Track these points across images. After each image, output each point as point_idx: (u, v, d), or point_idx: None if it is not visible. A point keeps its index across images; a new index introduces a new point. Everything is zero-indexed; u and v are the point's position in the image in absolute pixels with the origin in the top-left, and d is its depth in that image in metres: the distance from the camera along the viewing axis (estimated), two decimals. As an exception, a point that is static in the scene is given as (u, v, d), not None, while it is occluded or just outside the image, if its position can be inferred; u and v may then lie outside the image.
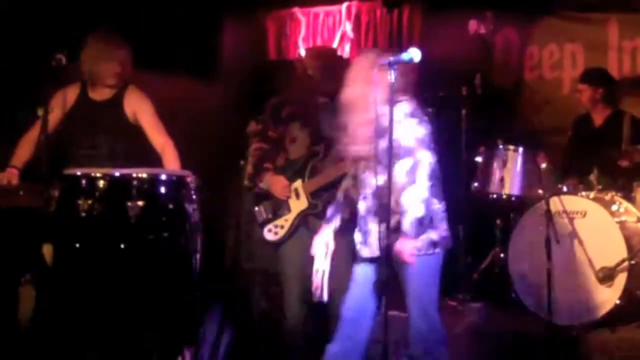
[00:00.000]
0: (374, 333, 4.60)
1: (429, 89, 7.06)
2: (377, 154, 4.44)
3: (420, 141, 4.43)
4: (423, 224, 4.42)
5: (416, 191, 4.37)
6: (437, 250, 4.53)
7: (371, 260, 4.58)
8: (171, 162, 5.27)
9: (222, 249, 6.65)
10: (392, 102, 4.28)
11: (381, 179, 4.43)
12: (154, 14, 7.18)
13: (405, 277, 4.53)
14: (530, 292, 5.90)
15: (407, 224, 4.37)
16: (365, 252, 4.62)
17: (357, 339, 4.58)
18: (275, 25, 8.01)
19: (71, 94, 5.37)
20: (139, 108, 5.36)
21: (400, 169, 4.41)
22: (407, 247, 4.37)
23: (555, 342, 5.50)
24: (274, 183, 5.36)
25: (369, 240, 4.59)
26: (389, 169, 4.26)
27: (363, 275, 4.62)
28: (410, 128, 4.44)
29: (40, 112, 4.96)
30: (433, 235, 4.50)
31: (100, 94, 5.38)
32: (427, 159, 4.42)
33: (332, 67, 5.33)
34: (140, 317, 4.56)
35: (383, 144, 4.37)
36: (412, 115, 4.47)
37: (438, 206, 4.54)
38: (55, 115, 5.19)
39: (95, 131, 5.30)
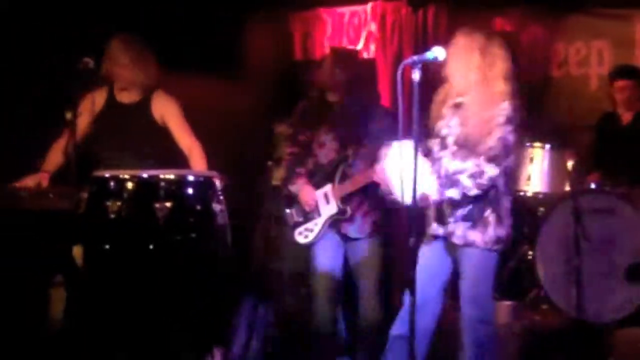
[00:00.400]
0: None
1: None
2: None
3: (508, 148, 4.44)
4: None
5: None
6: (499, 247, 4.53)
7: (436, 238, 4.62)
8: (198, 163, 5.29)
9: (250, 249, 6.67)
10: (419, 102, 4.29)
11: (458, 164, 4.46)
12: (181, 16, 7.21)
13: (464, 266, 4.55)
14: (559, 290, 5.89)
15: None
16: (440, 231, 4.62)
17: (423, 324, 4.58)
18: (301, 26, 8.02)
19: (99, 97, 5.40)
20: (166, 111, 5.38)
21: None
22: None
23: (584, 339, 5.49)
24: (303, 193, 5.41)
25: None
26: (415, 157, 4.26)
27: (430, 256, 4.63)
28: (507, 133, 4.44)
29: (69, 116, 5.00)
30: (500, 231, 4.51)
31: (128, 97, 5.41)
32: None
33: (352, 69, 5.35)
34: (169, 317, 4.59)
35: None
36: (511, 120, 4.46)
37: (508, 205, 4.56)
38: (83, 119, 5.21)
39: (123, 134, 5.33)
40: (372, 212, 5.38)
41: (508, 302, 6.17)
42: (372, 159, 5.30)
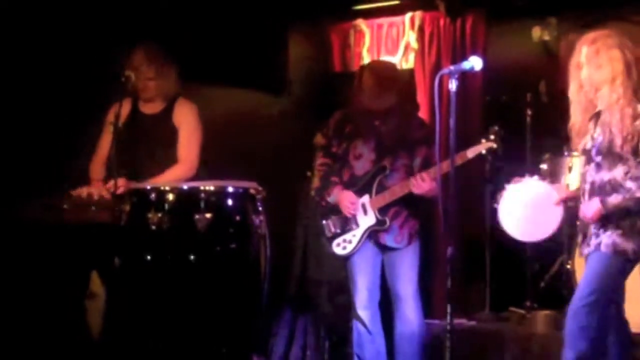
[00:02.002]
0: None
1: (492, 96, 7.11)
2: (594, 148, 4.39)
3: None
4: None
5: None
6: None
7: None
8: (170, 175, 5.26)
9: (290, 259, 6.71)
10: (453, 109, 4.31)
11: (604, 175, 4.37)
12: (220, 29, 7.27)
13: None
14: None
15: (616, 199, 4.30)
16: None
17: None
18: (339, 37, 8.05)
19: (125, 108, 5.38)
20: (183, 118, 5.40)
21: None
22: (590, 208, 4.32)
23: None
24: (343, 198, 5.42)
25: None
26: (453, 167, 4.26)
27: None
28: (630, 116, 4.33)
29: (110, 128, 5.09)
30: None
31: (151, 108, 5.45)
32: None
33: (389, 82, 5.37)
34: (209, 327, 4.63)
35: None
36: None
37: None
38: (108, 130, 5.26)
39: (146, 144, 5.35)
40: (410, 222, 5.41)
41: (547, 312, 6.16)
42: (409, 170, 5.34)
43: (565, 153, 6.29)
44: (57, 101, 6.20)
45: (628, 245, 4.36)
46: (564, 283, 6.35)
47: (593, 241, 4.45)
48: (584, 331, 4.40)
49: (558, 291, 6.37)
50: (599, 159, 4.43)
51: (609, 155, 4.37)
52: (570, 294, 6.13)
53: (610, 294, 4.47)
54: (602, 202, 4.33)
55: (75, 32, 6.22)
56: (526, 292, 6.47)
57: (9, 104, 5.99)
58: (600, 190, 4.38)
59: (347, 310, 5.72)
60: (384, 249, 5.43)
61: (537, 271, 6.52)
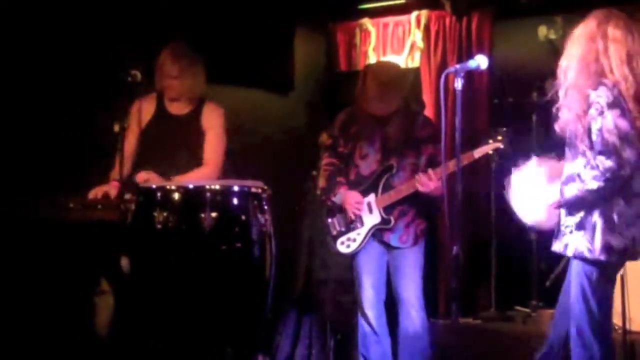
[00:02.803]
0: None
1: (499, 96, 7.11)
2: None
3: (624, 136, 4.02)
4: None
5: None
6: (611, 259, 4.16)
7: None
8: (195, 175, 5.26)
9: (296, 258, 6.71)
10: (459, 108, 4.31)
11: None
12: (228, 29, 7.28)
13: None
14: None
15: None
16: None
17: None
18: (345, 36, 8.06)
19: (148, 107, 5.41)
20: (211, 121, 5.40)
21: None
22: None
23: (630, 348, 5.46)
24: (348, 198, 5.42)
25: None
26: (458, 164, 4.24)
27: None
28: (612, 121, 4.04)
29: (116, 129, 5.07)
30: (610, 240, 4.13)
31: (177, 108, 5.43)
32: (633, 158, 4.03)
33: (389, 88, 5.36)
34: (214, 327, 4.64)
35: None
36: (614, 105, 4.06)
37: (622, 209, 4.14)
38: (133, 130, 5.27)
39: (173, 145, 5.35)
40: (416, 221, 5.41)
41: (552, 311, 6.14)
42: (416, 169, 5.34)
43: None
44: (74, 99, 6.23)
45: (596, 245, 4.16)
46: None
47: (562, 239, 4.30)
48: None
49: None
50: (566, 151, 4.28)
51: (573, 147, 4.22)
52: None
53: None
54: (560, 191, 4.22)
55: (92, 31, 6.25)
56: (532, 291, 6.46)
57: (25, 102, 6.02)
58: (567, 181, 4.21)
59: (352, 309, 5.73)
60: (389, 248, 5.43)
61: (542, 270, 6.50)
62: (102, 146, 5.52)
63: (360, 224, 5.41)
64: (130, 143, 5.27)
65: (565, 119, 4.19)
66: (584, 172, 4.09)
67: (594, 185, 4.05)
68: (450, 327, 6.20)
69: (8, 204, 5.60)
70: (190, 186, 4.77)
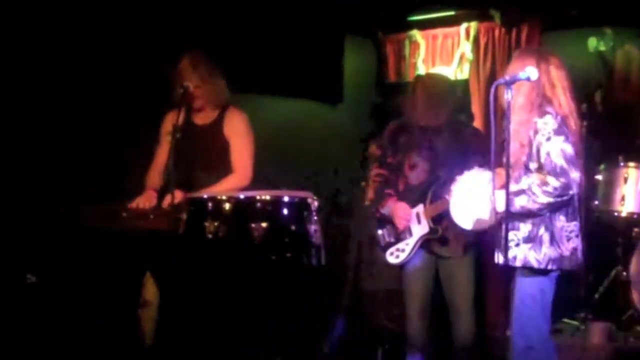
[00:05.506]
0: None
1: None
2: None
3: (570, 160, 4.45)
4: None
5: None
6: (554, 267, 4.52)
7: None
8: (227, 183, 5.26)
9: (344, 268, 6.75)
10: (508, 119, 4.35)
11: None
12: (277, 40, 7.34)
13: (514, 289, 4.57)
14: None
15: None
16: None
17: None
18: (394, 48, 8.09)
19: (176, 119, 5.23)
20: (234, 127, 5.37)
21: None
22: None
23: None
24: (397, 210, 5.46)
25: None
26: (507, 185, 4.32)
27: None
28: (559, 146, 4.45)
29: (168, 138, 5.14)
30: (553, 251, 4.50)
31: (202, 118, 5.42)
32: (578, 179, 4.47)
33: (438, 100, 5.39)
34: (264, 335, 4.70)
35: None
36: (559, 131, 4.48)
37: (563, 224, 4.54)
38: (166, 140, 5.27)
39: (199, 155, 5.34)
40: (464, 232, 5.42)
41: (602, 324, 6.13)
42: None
43: (622, 164, 6.27)
44: (115, 111, 6.31)
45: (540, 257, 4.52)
46: (619, 294, 6.33)
47: (508, 252, 4.50)
48: None
49: (613, 302, 6.34)
50: (512, 172, 4.53)
51: (519, 168, 4.54)
52: (625, 305, 6.15)
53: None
54: (509, 201, 4.40)
55: (132, 42, 6.33)
56: (581, 304, 6.44)
57: (69, 116, 6.12)
58: (517, 194, 4.50)
59: (400, 320, 5.75)
60: (439, 258, 5.46)
61: (591, 282, 6.48)
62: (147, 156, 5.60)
63: (409, 235, 5.43)
64: (161, 154, 5.31)
65: (515, 148, 4.48)
66: (535, 188, 4.44)
67: (544, 200, 4.42)
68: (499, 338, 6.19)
69: (57, 212, 5.73)
70: (241, 196, 4.80)
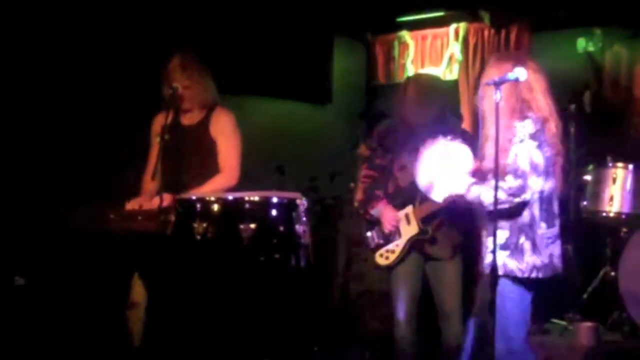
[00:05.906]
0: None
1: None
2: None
3: (534, 166, 4.48)
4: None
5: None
6: (539, 275, 4.55)
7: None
8: (214, 183, 5.24)
9: (333, 270, 6.75)
10: (497, 121, 4.35)
11: None
12: (265, 41, 7.34)
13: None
14: (642, 311, 5.83)
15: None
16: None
17: None
18: (383, 49, 8.11)
19: (164, 120, 5.24)
20: (220, 127, 5.36)
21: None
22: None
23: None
24: (385, 214, 5.46)
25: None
26: (496, 186, 4.35)
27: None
28: (528, 150, 4.48)
29: (157, 140, 5.14)
30: (536, 260, 4.53)
31: (189, 119, 5.40)
32: (536, 187, 4.49)
33: (429, 96, 5.40)
34: (252, 338, 4.68)
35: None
36: (534, 137, 4.51)
37: (544, 231, 4.56)
38: (156, 142, 5.27)
39: (186, 156, 5.32)
40: (453, 234, 5.42)
41: (590, 324, 6.13)
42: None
43: (610, 164, 6.27)
44: (107, 112, 6.30)
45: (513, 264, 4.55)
46: (608, 294, 6.33)
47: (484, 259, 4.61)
48: None
49: (601, 302, 6.34)
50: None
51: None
52: (614, 305, 6.15)
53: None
54: (469, 188, 4.55)
55: (126, 44, 6.32)
56: (569, 304, 6.44)
57: (60, 118, 6.11)
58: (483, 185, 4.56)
59: (388, 321, 5.75)
60: (428, 259, 5.45)
61: (579, 283, 6.48)
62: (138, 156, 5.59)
63: (398, 236, 5.43)
64: (153, 157, 5.30)
65: (490, 152, 4.51)
66: (493, 182, 4.42)
67: (499, 195, 4.39)
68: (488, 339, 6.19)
69: (46, 214, 5.73)
70: (230, 197, 4.81)
